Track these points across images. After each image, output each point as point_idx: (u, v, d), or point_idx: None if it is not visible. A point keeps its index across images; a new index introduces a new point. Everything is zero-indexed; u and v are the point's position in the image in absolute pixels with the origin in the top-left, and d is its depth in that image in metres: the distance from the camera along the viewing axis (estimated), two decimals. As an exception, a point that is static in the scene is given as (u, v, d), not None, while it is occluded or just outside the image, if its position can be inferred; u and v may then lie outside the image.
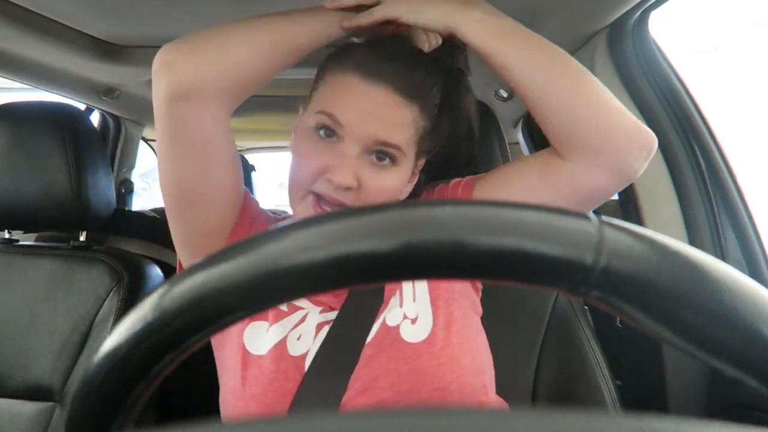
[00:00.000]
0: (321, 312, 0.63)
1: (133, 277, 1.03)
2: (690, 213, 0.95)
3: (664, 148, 0.97)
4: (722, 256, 0.93)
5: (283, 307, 0.63)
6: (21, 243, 1.12)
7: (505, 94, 1.51)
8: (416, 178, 0.69)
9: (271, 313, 0.63)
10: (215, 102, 0.58)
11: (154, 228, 1.48)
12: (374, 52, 0.60)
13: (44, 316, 1.00)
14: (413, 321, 0.61)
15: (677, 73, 0.95)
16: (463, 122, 0.68)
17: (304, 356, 0.59)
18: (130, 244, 1.39)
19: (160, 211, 2.40)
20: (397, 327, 0.61)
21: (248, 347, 0.61)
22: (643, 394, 0.99)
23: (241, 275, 0.23)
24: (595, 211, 0.46)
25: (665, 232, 0.22)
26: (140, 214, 1.72)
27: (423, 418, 0.17)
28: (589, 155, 0.58)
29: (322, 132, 0.60)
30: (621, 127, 0.57)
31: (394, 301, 0.63)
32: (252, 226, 0.67)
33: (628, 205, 1.03)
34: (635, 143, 0.57)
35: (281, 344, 0.60)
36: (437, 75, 0.64)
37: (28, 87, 1.33)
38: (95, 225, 1.09)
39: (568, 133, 0.58)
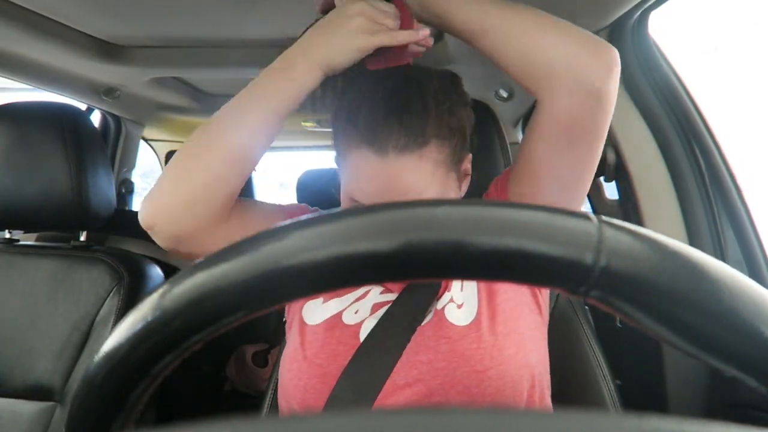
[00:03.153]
0: (381, 293, 0.67)
1: (133, 277, 1.03)
2: (690, 213, 0.95)
3: (664, 148, 0.97)
4: (722, 256, 0.93)
5: None
6: (21, 243, 1.12)
7: (505, 94, 1.51)
8: (468, 178, 0.71)
9: None
10: (207, 233, 0.62)
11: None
12: (373, 113, 0.60)
13: (45, 316, 1.00)
14: (459, 306, 0.64)
15: (677, 73, 0.95)
16: (469, 110, 0.69)
17: (358, 325, 0.64)
18: (130, 244, 1.39)
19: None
20: (443, 309, 0.64)
21: (305, 319, 0.67)
22: (643, 393, 0.99)
23: (242, 275, 0.23)
24: (594, 211, 0.46)
25: (665, 232, 0.22)
26: (140, 214, 1.71)
27: (420, 416, 0.17)
28: (546, 83, 0.59)
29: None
30: (563, 45, 0.58)
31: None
32: None
33: (628, 205, 1.03)
34: (585, 56, 0.57)
35: (337, 316, 0.66)
36: (429, 92, 0.63)
37: (28, 87, 1.33)
38: (95, 225, 1.09)
39: (519, 67, 0.60)
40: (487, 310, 0.64)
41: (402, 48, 0.62)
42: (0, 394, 0.97)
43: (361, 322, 0.65)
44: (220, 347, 1.91)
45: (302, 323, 0.67)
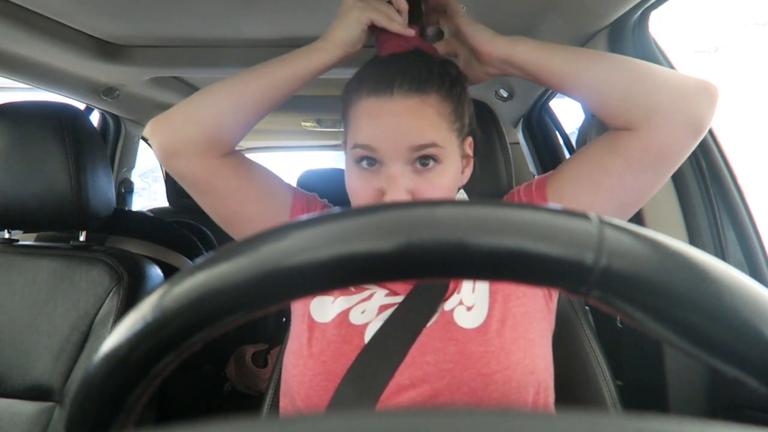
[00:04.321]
0: (386, 295, 0.67)
1: (133, 277, 1.03)
2: (690, 213, 0.95)
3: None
4: (723, 256, 0.93)
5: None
6: (21, 243, 1.12)
7: (505, 94, 1.50)
8: (472, 161, 0.71)
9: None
10: (195, 154, 0.68)
11: (154, 228, 1.48)
12: (378, 69, 0.64)
13: (44, 316, 1.00)
14: (468, 308, 0.64)
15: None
16: (468, 95, 0.70)
17: (364, 326, 0.65)
18: (130, 244, 1.39)
19: (157, 212, 2.40)
20: (452, 311, 0.64)
21: (314, 316, 0.68)
22: (643, 394, 0.99)
23: (241, 275, 0.23)
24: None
25: (665, 232, 0.22)
26: (140, 214, 1.72)
27: (420, 417, 0.17)
28: (654, 117, 0.60)
29: (364, 163, 0.64)
30: (673, 82, 0.60)
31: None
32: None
33: (628, 205, 1.03)
34: (694, 91, 0.60)
35: (344, 313, 0.66)
36: (434, 60, 0.66)
37: (28, 87, 1.33)
38: (95, 225, 1.09)
39: (629, 106, 0.61)
40: (499, 314, 0.63)
41: (406, 38, 0.67)
42: (-1, 394, 0.97)
43: (367, 324, 0.65)
44: (220, 347, 1.91)
45: (311, 320, 0.68)
